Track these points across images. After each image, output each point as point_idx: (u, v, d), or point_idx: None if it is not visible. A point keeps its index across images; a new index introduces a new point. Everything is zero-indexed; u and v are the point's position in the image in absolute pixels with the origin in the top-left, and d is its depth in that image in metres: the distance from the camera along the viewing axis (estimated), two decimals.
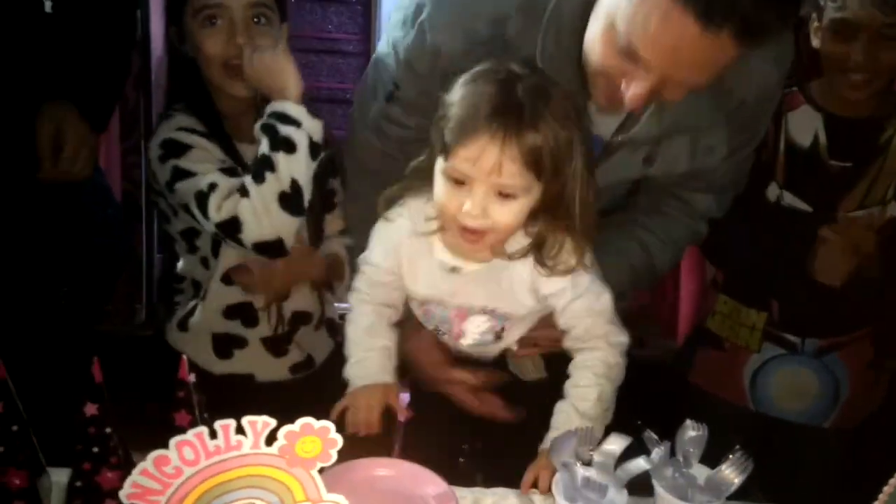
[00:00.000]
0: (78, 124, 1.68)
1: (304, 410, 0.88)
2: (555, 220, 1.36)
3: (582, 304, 1.42)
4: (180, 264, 1.69)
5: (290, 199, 1.49)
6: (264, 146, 1.50)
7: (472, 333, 1.48)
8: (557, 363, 1.49)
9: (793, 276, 1.80)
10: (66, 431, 1.11)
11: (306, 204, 1.52)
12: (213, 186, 1.50)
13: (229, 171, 1.54)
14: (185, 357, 1.09)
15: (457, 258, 1.41)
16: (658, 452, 1.21)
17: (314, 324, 1.72)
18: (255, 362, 1.68)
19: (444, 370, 1.56)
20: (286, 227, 1.51)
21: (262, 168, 1.48)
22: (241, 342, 1.67)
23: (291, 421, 0.86)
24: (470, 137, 1.27)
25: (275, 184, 1.48)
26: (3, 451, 1.10)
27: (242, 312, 1.65)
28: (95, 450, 1.08)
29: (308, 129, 1.50)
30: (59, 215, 1.77)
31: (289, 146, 1.49)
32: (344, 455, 0.86)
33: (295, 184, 1.49)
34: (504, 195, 1.30)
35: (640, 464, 1.21)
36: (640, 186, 1.64)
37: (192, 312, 1.66)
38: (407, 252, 1.45)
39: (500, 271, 1.41)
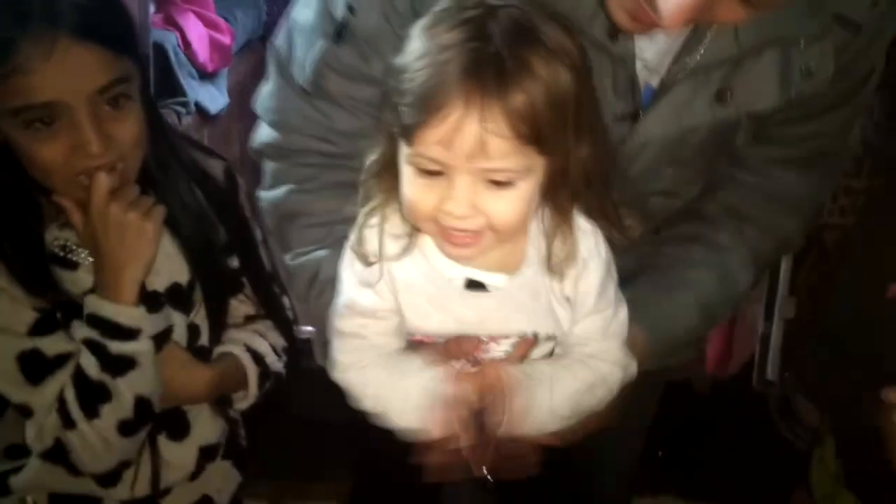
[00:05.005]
0: None
1: None
2: (559, 206, 1.03)
3: (595, 323, 1.08)
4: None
5: (134, 422, 1.13)
6: (90, 367, 1.10)
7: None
8: None
9: None
10: None
11: (157, 407, 1.17)
12: (25, 411, 1.12)
13: (46, 325, 1.12)
14: None
15: (475, 269, 1.04)
16: None
17: (220, 456, 1.32)
18: None
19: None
20: (133, 447, 1.17)
21: (90, 399, 1.11)
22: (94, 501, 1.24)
23: None
24: (437, 112, 0.92)
25: (112, 415, 1.12)
26: None
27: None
28: None
29: (151, 330, 1.13)
30: None
31: (125, 365, 1.11)
32: None
33: (140, 401, 1.13)
34: (497, 182, 0.96)
35: None
36: (703, 171, 1.24)
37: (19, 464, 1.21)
38: (402, 276, 1.04)
39: (536, 279, 1.06)
